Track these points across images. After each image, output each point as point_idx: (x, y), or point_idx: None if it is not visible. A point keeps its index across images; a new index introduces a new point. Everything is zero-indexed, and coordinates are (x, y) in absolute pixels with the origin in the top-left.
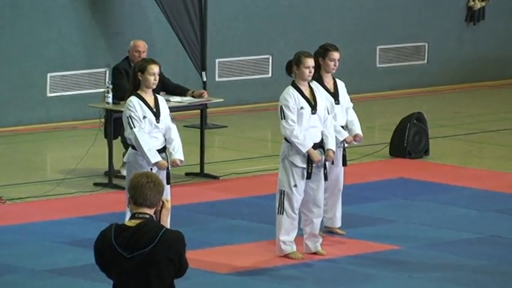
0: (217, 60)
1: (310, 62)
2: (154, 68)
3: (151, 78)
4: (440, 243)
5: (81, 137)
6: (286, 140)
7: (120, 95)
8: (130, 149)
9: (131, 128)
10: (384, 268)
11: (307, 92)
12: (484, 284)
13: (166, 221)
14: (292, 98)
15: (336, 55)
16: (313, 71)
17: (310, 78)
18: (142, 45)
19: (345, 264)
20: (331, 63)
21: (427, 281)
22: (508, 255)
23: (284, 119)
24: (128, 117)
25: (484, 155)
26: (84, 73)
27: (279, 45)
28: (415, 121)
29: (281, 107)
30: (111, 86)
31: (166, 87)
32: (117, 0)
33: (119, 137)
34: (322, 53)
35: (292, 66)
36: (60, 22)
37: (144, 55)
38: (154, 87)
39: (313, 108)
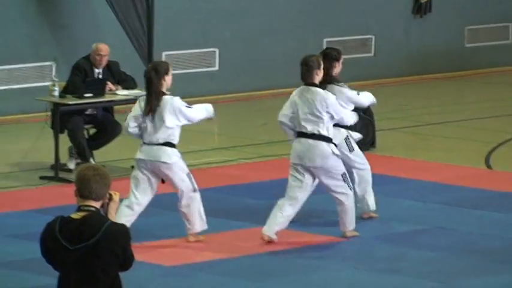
0: (164, 54)
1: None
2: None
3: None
4: (386, 235)
5: (28, 130)
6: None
7: (72, 91)
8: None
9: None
10: (329, 260)
11: None
12: (429, 275)
13: (114, 214)
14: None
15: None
16: None
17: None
18: (104, 48)
19: (291, 256)
20: None
21: (373, 272)
22: (453, 246)
23: None
24: None
25: (430, 147)
26: (31, 66)
27: (226, 38)
28: (361, 113)
29: None
30: (57, 80)
31: (119, 79)
32: None
33: (65, 131)
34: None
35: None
36: (6, 15)
37: (105, 58)
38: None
39: None
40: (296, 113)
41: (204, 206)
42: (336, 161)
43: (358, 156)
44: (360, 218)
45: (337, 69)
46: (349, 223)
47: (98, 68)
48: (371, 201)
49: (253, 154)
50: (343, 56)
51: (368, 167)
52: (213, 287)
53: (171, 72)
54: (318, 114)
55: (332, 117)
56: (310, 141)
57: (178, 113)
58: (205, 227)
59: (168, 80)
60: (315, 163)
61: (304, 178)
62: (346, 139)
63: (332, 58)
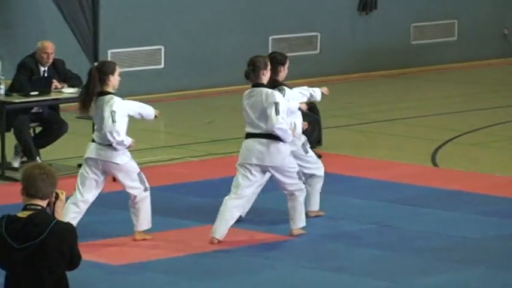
0: (109, 51)
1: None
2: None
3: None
4: (333, 234)
5: None
6: None
7: (18, 89)
8: None
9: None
10: (276, 259)
11: None
12: (375, 273)
13: (61, 213)
14: None
15: None
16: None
17: None
18: (50, 46)
19: (238, 254)
20: None
21: (319, 271)
22: (398, 244)
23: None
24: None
25: (377, 145)
26: None
27: (171, 35)
28: (307, 111)
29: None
30: (3, 78)
31: (65, 77)
32: None
33: (11, 129)
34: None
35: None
36: None
37: (51, 56)
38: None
39: None
40: (249, 115)
41: (152, 204)
42: (291, 159)
43: (312, 157)
44: (306, 216)
45: (283, 73)
46: (300, 220)
47: (43, 66)
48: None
49: (200, 152)
50: (289, 54)
51: (322, 168)
52: (160, 286)
53: (118, 72)
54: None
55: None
56: (266, 141)
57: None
58: (150, 225)
59: (113, 80)
60: (275, 163)
61: (255, 177)
62: (304, 143)
63: (277, 62)
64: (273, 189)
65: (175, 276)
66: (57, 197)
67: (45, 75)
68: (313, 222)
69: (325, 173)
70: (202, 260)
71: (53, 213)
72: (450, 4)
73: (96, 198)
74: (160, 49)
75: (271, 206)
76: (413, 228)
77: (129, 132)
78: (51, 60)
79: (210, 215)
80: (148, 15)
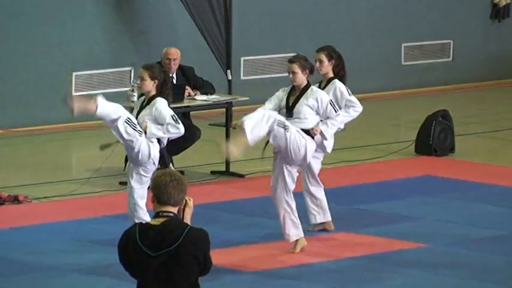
0: (242, 59)
1: (291, 67)
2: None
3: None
4: (466, 241)
5: (107, 136)
6: None
7: None
8: None
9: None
10: (410, 266)
11: (293, 96)
12: (510, 281)
13: (189, 219)
14: (282, 91)
15: (316, 56)
16: (292, 75)
17: (293, 82)
18: (174, 52)
19: (371, 263)
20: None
21: (454, 279)
22: None
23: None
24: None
25: (510, 152)
26: (109, 72)
27: (304, 42)
28: (440, 118)
29: None
30: (135, 85)
31: (196, 84)
32: None
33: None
34: None
35: None
36: (85, 21)
37: (176, 62)
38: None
39: (288, 110)
40: None
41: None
42: None
43: None
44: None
45: None
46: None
47: (170, 73)
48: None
49: (332, 160)
50: (422, 61)
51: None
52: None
53: None
54: None
55: None
56: None
57: None
58: None
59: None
60: None
61: None
62: None
63: None
64: (401, 197)
65: (308, 283)
66: (186, 203)
67: (173, 81)
68: (445, 229)
69: (458, 180)
70: (330, 267)
71: (182, 220)
72: None
73: (228, 204)
74: None
75: (401, 212)
76: None
77: (262, 138)
78: (175, 67)
79: (346, 220)
80: (282, 22)
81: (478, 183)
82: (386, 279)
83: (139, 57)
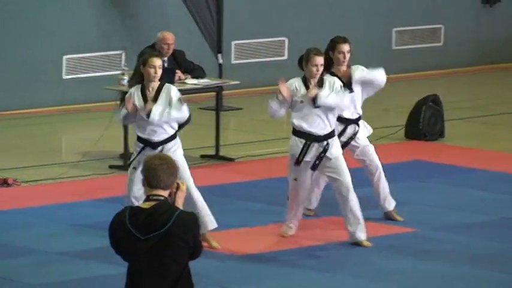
0: (233, 43)
1: (318, 60)
2: (156, 61)
3: (152, 71)
4: (455, 226)
5: (97, 119)
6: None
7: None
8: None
9: None
10: (398, 251)
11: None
12: (499, 266)
13: (181, 203)
14: (293, 86)
15: (344, 47)
16: (321, 69)
17: (317, 76)
18: (170, 37)
19: (359, 247)
20: (340, 56)
21: (442, 263)
22: None
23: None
24: None
25: (500, 137)
26: (100, 55)
27: (295, 27)
28: (430, 103)
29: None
30: (126, 68)
31: (187, 68)
32: None
33: None
34: (331, 47)
35: (303, 62)
36: (75, 4)
37: (172, 47)
38: (155, 80)
39: (315, 102)
40: None
41: (273, 195)
42: None
43: None
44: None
45: None
46: None
47: (163, 56)
48: None
49: None
50: (413, 46)
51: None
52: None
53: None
54: None
55: None
56: None
57: None
58: None
59: None
60: None
61: None
62: None
63: None
64: (391, 182)
65: (299, 268)
66: (178, 187)
67: (165, 65)
68: (434, 214)
69: (448, 164)
70: (323, 252)
71: (173, 203)
72: None
73: (218, 188)
74: (284, 40)
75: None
76: None
77: (252, 122)
78: (171, 51)
79: (335, 206)
80: (273, 6)
81: (468, 168)
82: (374, 264)
83: (129, 40)
